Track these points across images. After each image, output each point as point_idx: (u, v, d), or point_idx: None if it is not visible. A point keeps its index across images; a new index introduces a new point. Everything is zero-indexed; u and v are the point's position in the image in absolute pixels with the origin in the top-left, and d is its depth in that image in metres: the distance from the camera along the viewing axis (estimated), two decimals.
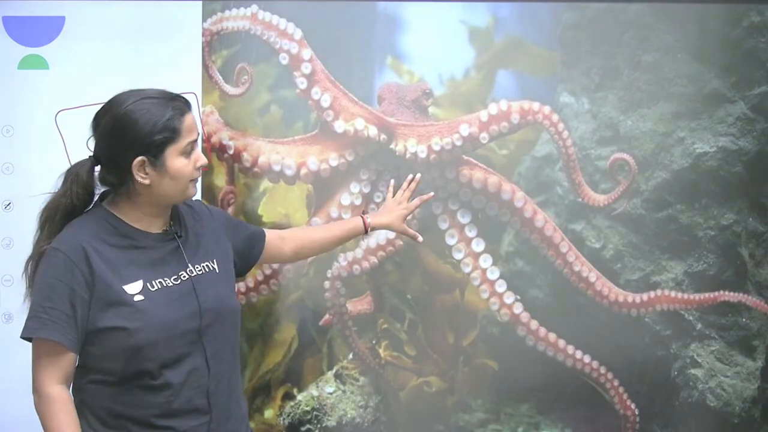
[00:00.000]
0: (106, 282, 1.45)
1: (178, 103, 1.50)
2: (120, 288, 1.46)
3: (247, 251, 1.74)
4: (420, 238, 1.95)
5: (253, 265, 1.77)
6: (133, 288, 1.47)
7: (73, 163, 1.54)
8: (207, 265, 1.59)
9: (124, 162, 1.46)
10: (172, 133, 1.47)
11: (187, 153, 1.50)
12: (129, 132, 1.45)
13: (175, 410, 1.48)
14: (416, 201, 1.98)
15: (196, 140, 1.52)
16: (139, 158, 1.45)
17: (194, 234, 1.60)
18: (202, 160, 1.53)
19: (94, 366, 1.48)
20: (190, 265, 1.55)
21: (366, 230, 1.91)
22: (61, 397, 1.45)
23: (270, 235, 1.81)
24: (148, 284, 1.48)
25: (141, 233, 1.52)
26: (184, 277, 1.53)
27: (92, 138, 1.51)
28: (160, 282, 1.49)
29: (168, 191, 1.50)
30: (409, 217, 1.99)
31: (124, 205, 1.52)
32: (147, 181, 1.47)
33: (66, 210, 1.50)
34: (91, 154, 1.53)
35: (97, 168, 1.52)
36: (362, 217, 1.91)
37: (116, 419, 1.47)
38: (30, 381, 1.49)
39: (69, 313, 1.43)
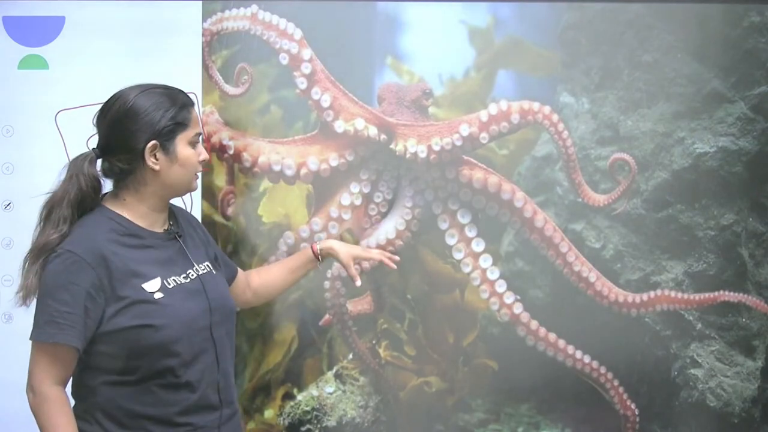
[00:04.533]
0: (126, 282, 1.46)
1: (184, 96, 1.55)
2: (140, 287, 1.47)
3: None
4: (358, 282, 1.86)
5: None
6: (152, 286, 1.48)
7: None
8: (207, 265, 1.62)
9: (137, 145, 1.48)
10: (182, 121, 1.52)
11: (194, 144, 1.55)
12: (142, 117, 1.48)
13: (194, 407, 1.50)
14: (377, 255, 1.93)
15: (200, 134, 1.57)
16: (152, 142, 1.49)
17: (189, 235, 1.63)
18: (205, 155, 1.57)
19: (109, 367, 1.47)
20: (195, 263, 1.58)
21: (317, 257, 1.88)
22: (59, 397, 1.45)
23: (241, 274, 1.83)
24: (165, 282, 1.50)
25: (147, 232, 1.54)
26: (193, 275, 1.55)
27: (97, 131, 1.53)
28: (174, 279, 1.52)
29: (175, 180, 1.53)
30: (409, 217, 1.99)
31: (130, 199, 1.53)
32: (157, 167, 1.50)
33: (75, 197, 1.49)
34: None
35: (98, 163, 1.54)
36: (312, 245, 1.90)
37: (134, 419, 1.47)
38: None
39: (82, 315, 1.43)
